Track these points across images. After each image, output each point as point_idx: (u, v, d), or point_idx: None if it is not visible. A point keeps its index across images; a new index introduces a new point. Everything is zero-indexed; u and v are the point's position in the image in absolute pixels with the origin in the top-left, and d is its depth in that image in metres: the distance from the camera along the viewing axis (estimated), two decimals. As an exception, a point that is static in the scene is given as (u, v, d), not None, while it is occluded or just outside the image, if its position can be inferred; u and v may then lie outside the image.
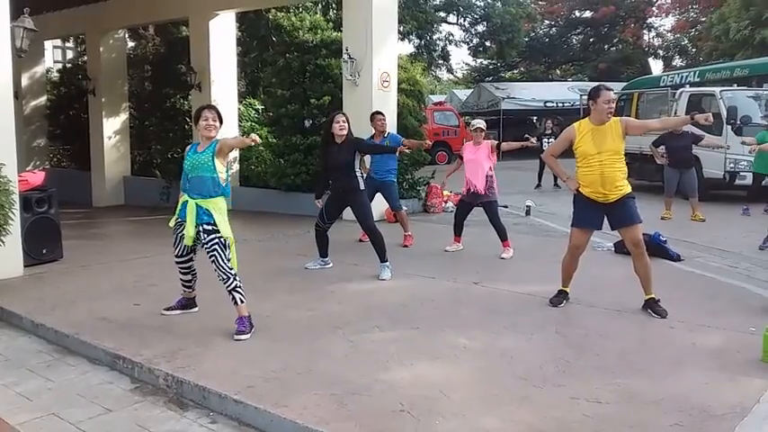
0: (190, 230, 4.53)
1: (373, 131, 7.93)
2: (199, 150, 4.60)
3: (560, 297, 5.21)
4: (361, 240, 7.73)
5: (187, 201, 4.57)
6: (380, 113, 8.01)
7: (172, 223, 4.73)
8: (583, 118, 5.08)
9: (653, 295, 4.99)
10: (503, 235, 7.15)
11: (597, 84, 5.14)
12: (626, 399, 3.43)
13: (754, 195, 10.38)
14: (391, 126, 9.72)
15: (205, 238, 4.52)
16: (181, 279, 4.95)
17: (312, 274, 6.41)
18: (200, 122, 4.59)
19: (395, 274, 6.17)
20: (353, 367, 3.89)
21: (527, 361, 3.99)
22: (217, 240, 4.50)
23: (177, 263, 4.83)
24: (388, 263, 6.23)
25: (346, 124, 6.14)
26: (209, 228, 4.51)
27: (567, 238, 5.27)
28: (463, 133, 23.13)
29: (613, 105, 4.82)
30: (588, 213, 4.99)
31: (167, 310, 5.02)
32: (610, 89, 4.93)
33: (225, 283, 4.53)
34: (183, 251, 4.76)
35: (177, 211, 4.68)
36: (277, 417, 3.25)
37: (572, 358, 4.04)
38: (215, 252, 4.50)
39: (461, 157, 7.33)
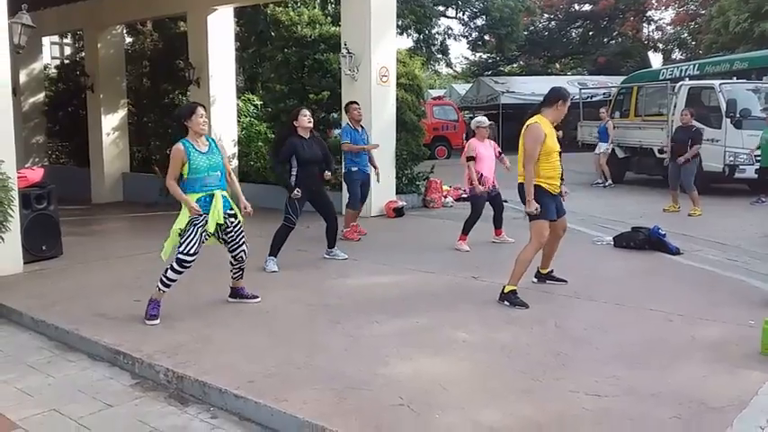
0: (219, 217, 4.68)
1: (348, 121, 7.85)
2: (202, 150, 4.71)
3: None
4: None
5: (210, 195, 4.69)
6: (356, 103, 7.93)
7: (183, 225, 4.64)
8: (537, 113, 5.14)
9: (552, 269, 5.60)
10: (500, 224, 7.54)
11: (559, 87, 5.33)
12: (625, 392, 3.44)
13: (760, 187, 10.77)
14: (391, 121, 9.74)
15: (232, 222, 4.87)
16: (176, 279, 4.72)
17: (311, 269, 6.42)
18: (197, 118, 4.67)
19: (394, 269, 6.18)
20: (353, 361, 3.90)
21: (526, 354, 4.01)
22: (241, 221, 4.93)
23: (188, 262, 4.64)
24: (335, 249, 6.65)
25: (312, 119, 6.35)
26: (232, 212, 4.86)
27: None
28: (462, 128, 23.12)
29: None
30: (553, 205, 5.18)
31: (149, 319, 4.75)
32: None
33: (246, 258, 5.00)
34: (198, 248, 4.66)
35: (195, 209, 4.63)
36: (277, 411, 3.26)
37: (571, 351, 4.05)
38: (243, 231, 4.96)
39: (473, 157, 7.13)
